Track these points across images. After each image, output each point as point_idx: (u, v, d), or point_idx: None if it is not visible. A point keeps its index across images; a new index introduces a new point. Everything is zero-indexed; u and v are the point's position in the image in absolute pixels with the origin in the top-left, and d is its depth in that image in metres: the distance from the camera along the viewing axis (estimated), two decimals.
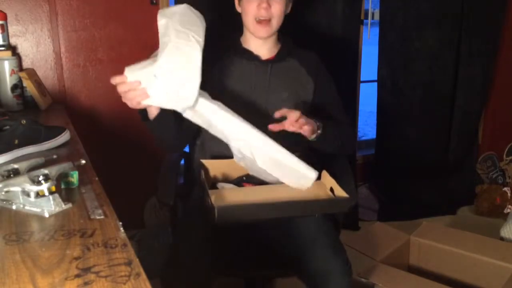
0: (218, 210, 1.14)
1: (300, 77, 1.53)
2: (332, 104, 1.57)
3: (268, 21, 1.46)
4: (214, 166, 1.42)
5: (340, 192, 1.29)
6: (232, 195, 1.28)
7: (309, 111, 1.45)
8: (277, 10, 1.46)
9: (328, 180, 1.34)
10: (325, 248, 1.30)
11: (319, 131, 1.38)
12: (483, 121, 3.12)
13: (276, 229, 1.40)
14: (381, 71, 2.70)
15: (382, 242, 2.10)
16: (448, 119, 2.84)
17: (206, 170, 1.41)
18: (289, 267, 1.39)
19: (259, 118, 1.39)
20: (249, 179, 1.39)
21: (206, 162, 1.42)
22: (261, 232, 1.39)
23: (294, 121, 1.29)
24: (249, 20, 1.48)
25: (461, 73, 2.77)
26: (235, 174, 1.42)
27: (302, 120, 1.30)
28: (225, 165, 1.42)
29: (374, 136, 2.90)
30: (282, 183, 1.35)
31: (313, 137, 1.39)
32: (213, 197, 1.21)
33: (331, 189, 1.32)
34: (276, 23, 1.48)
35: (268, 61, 1.52)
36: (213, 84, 1.46)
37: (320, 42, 2.41)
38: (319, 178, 1.38)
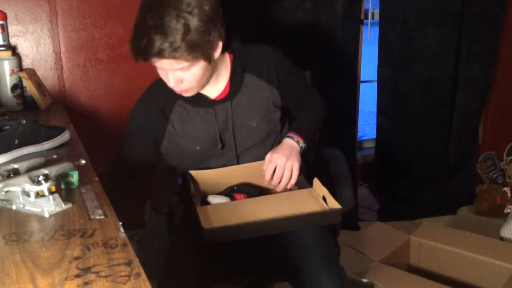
0: (207, 233, 1.13)
1: (263, 92, 1.39)
2: (300, 95, 1.50)
3: (186, 90, 1.29)
4: (204, 177, 1.39)
5: (332, 202, 1.26)
6: (221, 212, 1.25)
7: (277, 121, 1.44)
8: (192, 79, 1.25)
9: (320, 189, 1.32)
10: (317, 261, 1.26)
11: (300, 144, 1.37)
12: (483, 121, 3.12)
13: (271, 236, 1.36)
14: (381, 71, 2.70)
15: (382, 242, 2.10)
16: (448, 119, 2.84)
17: (195, 182, 1.38)
18: (283, 275, 1.37)
19: (231, 156, 1.40)
20: (240, 189, 1.38)
21: (195, 173, 1.39)
22: (257, 239, 1.37)
23: (279, 177, 1.32)
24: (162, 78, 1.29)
25: (461, 73, 2.77)
26: (225, 184, 1.40)
27: (281, 164, 1.31)
28: (214, 175, 1.39)
29: (374, 136, 2.90)
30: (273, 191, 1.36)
31: (302, 145, 1.38)
32: (202, 216, 1.19)
33: (324, 198, 1.30)
34: (198, 86, 1.30)
35: (225, 96, 1.36)
36: (173, 142, 1.39)
37: (320, 42, 2.41)
38: (311, 185, 1.37)
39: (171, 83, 1.25)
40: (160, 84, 1.32)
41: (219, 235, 1.17)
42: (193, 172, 1.39)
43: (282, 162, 1.31)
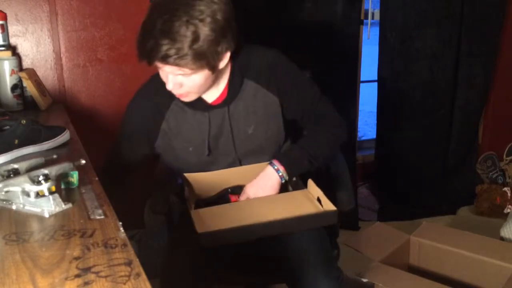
0: (202, 237, 1.13)
1: (263, 99, 1.34)
2: (307, 110, 1.40)
3: (185, 94, 1.26)
4: (198, 180, 1.38)
5: (327, 204, 1.25)
6: (216, 216, 1.24)
7: (279, 131, 1.40)
8: (193, 85, 1.22)
9: (315, 190, 1.31)
10: (316, 266, 1.24)
11: (279, 173, 1.32)
12: (483, 121, 3.12)
13: (268, 240, 1.33)
14: (381, 71, 2.70)
15: (382, 242, 2.10)
16: (448, 119, 2.85)
17: (190, 185, 1.38)
18: (281, 276, 1.36)
19: (229, 162, 1.39)
20: (234, 191, 1.37)
21: (190, 176, 1.38)
22: (254, 243, 1.33)
23: None
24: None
25: (461, 73, 2.77)
26: (220, 186, 1.39)
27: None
28: (209, 177, 1.38)
29: (374, 136, 2.90)
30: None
31: (285, 176, 1.33)
32: (196, 220, 1.19)
33: (319, 199, 1.29)
34: (197, 92, 1.26)
35: (222, 102, 1.32)
36: (168, 141, 1.37)
37: (320, 42, 2.41)
38: (305, 186, 1.37)
39: (170, 85, 1.22)
40: (158, 80, 1.28)
41: (214, 239, 1.16)
42: (187, 175, 1.38)
43: (253, 195, 1.31)
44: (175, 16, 1.11)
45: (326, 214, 1.25)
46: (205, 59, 1.16)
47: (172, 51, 1.11)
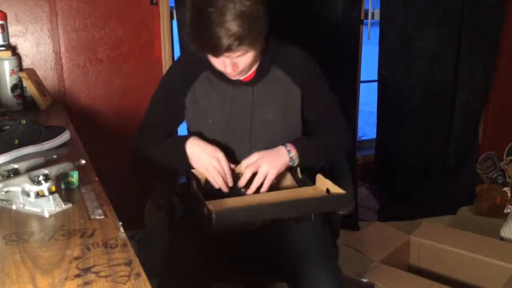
0: (215, 216, 1.13)
1: (287, 88, 1.39)
2: (322, 110, 1.45)
3: (239, 73, 1.32)
4: (205, 176, 1.38)
5: (336, 189, 1.27)
6: (227, 203, 1.25)
7: (297, 124, 1.42)
8: (246, 64, 1.29)
9: (323, 182, 1.32)
10: (316, 265, 1.24)
11: (290, 154, 1.33)
12: (483, 121, 3.12)
13: (270, 236, 1.36)
14: (381, 71, 2.70)
15: (382, 242, 2.10)
16: (448, 119, 2.85)
17: (198, 180, 1.38)
18: (281, 275, 1.36)
19: (243, 143, 1.39)
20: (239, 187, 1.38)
21: (197, 172, 1.38)
22: (256, 239, 1.37)
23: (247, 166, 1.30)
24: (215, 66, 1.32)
25: (461, 73, 2.77)
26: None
27: (257, 161, 1.30)
28: None
29: (374, 136, 2.90)
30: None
31: (295, 159, 1.34)
32: (209, 204, 1.19)
33: (328, 191, 1.30)
34: (249, 69, 1.34)
35: (249, 81, 1.38)
36: (192, 109, 1.41)
37: (320, 42, 2.41)
38: (313, 182, 1.37)
39: (228, 69, 1.28)
40: (191, 53, 1.35)
41: (226, 218, 1.17)
42: (194, 171, 1.39)
43: (261, 167, 1.30)
44: (224, 5, 1.16)
45: (336, 197, 1.27)
46: (257, 37, 1.24)
47: (231, 39, 1.17)
